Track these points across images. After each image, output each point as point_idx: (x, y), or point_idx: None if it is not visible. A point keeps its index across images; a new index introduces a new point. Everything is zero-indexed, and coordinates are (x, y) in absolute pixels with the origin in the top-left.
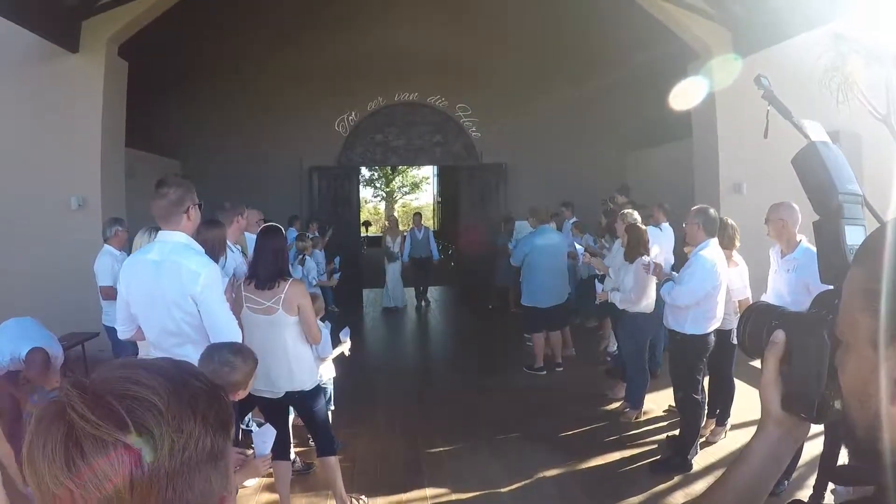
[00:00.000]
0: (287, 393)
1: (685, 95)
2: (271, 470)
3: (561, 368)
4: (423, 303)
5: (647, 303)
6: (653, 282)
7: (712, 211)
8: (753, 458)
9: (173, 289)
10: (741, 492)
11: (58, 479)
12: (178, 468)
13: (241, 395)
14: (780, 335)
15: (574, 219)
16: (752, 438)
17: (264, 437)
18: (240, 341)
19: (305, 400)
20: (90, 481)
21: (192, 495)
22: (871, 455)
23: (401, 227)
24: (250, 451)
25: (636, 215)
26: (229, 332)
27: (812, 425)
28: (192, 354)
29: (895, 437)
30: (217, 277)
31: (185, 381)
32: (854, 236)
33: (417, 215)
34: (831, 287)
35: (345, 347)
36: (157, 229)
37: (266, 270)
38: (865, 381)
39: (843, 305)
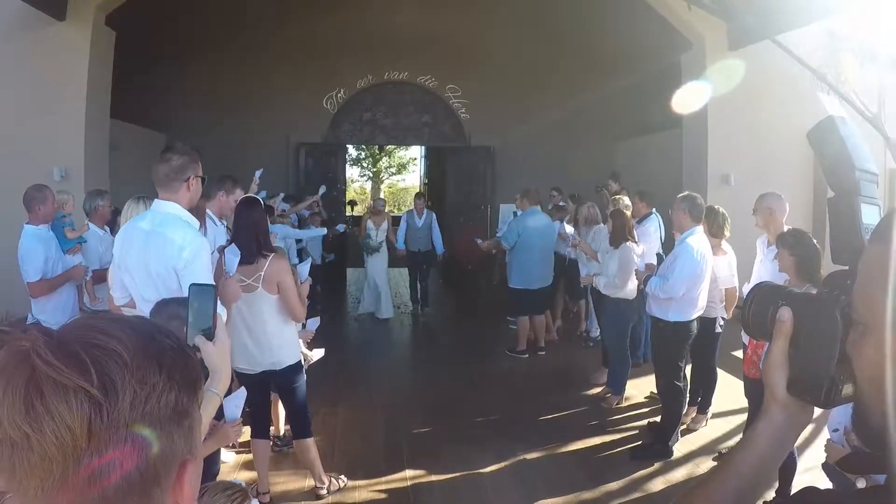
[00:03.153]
0: (267, 371)
1: (686, 100)
2: (243, 442)
3: (543, 352)
4: (419, 308)
5: (631, 288)
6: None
7: (699, 198)
8: (757, 443)
9: (158, 261)
10: (744, 477)
11: (15, 422)
12: (139, 420)
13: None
14: (786, 313)
15: (563, 204)
16: (756, 422)
17: (236, 400)
18: (223, 320)
19: (286, 376)
20: (47, 425)
21: (151, 451)
22: (885, 443)
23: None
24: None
25: (627, 201)
26: None
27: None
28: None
29: None
30: (203, 252)
31: (153, 337)
32: (870, 215)
33: (419, 196)
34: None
35: (316, 355)
36: (147, 198)
37: (245, 246)
38: (884, 366)
39: (860, 286)
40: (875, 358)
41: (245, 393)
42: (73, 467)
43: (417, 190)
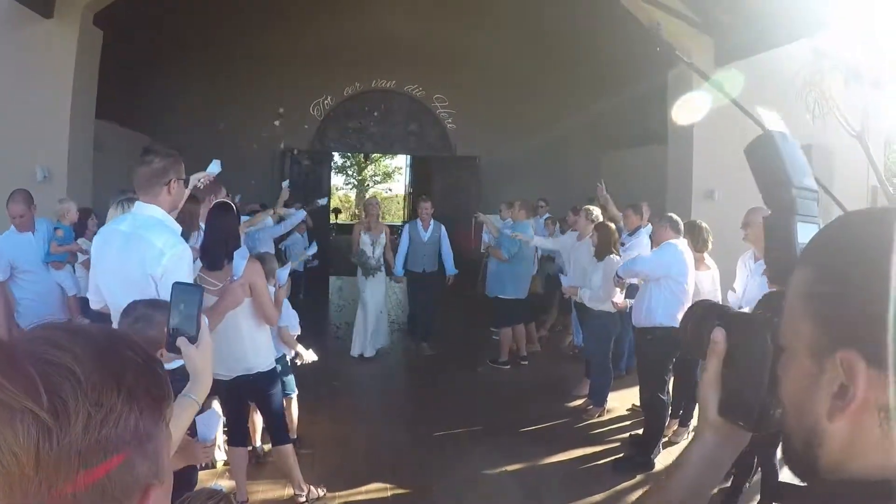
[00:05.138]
0: (241, 376)
1: (687, 110)
2: (222, 458)
3: (525, 363)
4: (421, 344)
5: (614, 300)
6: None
7: (675, 217)
8: (689, 465)
9: (135, 265)
10: (677, 499)
11: None
12: (93, 447)
13: (165, 357)
14: (719, 334)
15: (548, 215)
16: (689, 443)
17: (208, 421)
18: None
19: (260, 383)
20: None
21: (108, 480)
22: (810, 472)
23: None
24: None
25: (598, 212)
26: None
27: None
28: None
29: (832, 455)
30: (184, 259)
31: (114, 350)
32: (806, 234)
33: (424, 201)
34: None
35: (308, 357)
36: (130, 201)
37: (214, 250)
38: (804, 393)
39: (786, 308)
40: (795, 383)
41: (219, 416)
42: (20, 496)
43: (403, 197)
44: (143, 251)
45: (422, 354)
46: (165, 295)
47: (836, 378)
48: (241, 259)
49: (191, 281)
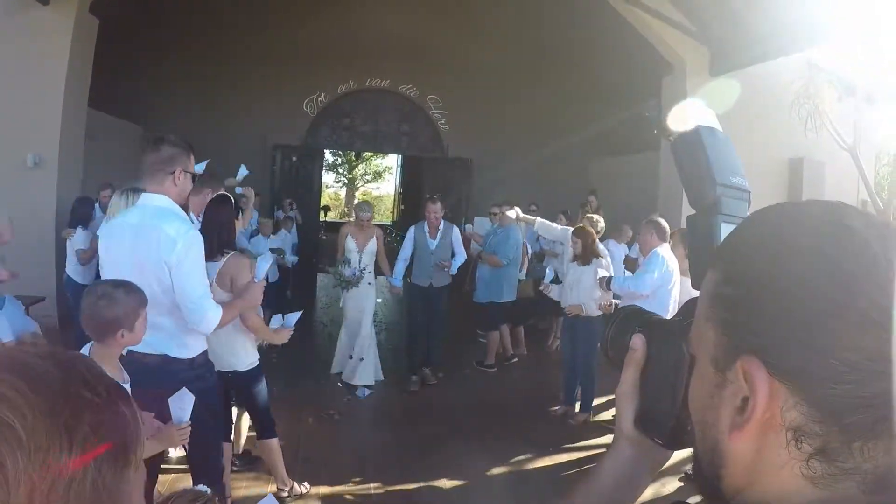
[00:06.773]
0: (219, 371)
1: (679, 118)
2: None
3: (515, 359)
4: (423, 370)
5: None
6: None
7: (663, 221)
8: (601, 479)
9: (149, 255)
10: None
11: None
12: None
13: (129, 338)
14: (638, 341)
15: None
16: (604, 455)
17: (181, 402)
18: (215, 317)
19: (242, 381)
20: None
21: None
22: (715, 496)
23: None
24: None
25: (602, 224)
26: (199, 304)
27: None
28: (167, 325)
29: (734, 478)
30: (195, 244)
31: (66, 394)
32: None
33: (433, 202)
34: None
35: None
36: (135, 191)
37: (209, 243)
38: (707, 407)
39: (696, 314)
40: (700, 397)
41: (192, 396)
42: None
43: (393, 198)
44: (156, 240)
45: (427, 382)
46: (177, 282)
47: (739, 390)
48: (264, 263)
49: (203, 270)
